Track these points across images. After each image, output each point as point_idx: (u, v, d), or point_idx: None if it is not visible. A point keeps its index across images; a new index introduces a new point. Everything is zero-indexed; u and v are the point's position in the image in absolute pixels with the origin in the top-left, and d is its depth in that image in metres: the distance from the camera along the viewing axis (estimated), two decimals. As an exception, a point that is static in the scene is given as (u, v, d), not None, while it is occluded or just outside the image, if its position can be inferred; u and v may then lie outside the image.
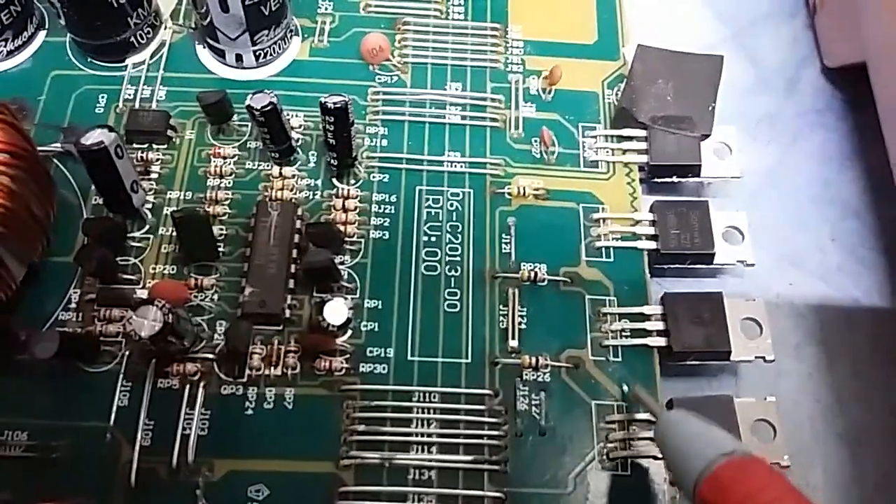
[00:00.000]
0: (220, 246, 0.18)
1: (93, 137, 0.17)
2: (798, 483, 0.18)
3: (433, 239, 0.19)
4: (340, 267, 0.19)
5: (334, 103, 0.18)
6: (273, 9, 0.20)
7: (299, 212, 0.19)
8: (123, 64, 0.21)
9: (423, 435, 0.17)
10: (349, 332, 0.18)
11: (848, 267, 0.21)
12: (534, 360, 0.18)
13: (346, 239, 0.19)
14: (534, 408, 0.18)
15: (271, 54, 0.21)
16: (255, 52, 0.21)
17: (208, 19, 0.20)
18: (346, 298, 0.17)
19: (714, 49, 0.24)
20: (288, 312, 0.18)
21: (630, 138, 0.21)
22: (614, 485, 0.17)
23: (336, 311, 0.17)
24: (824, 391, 0.20)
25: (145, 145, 0.20)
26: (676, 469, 0.15)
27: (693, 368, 0.19)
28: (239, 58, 0.21)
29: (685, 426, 0.15)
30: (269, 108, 0.18)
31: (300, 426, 0.17)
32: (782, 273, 0.21)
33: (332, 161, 0.20)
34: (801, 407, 0.19)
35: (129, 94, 0.21)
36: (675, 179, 0.21)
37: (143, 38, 0.21)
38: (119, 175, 0.18)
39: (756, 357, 0.18)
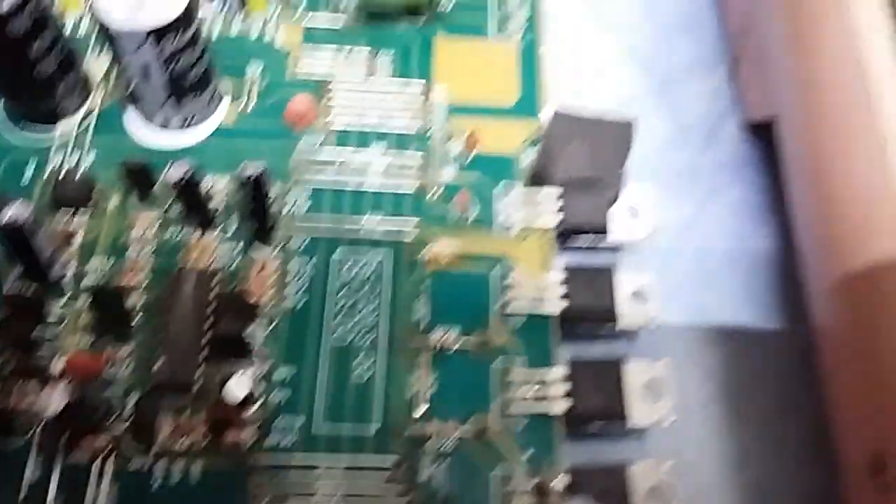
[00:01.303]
0: (134, 319, 0.19)
1: (7, 214, 0.18)
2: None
3: (347, 305, 0.20)
4: (255, 335, 0.19)
5: (248, 175, 0.19)
6: (196, 78, 0.21)
7: (216, 280, 0.19)
8: (52, 131, 0.22)
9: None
10: (258, 402, 0.18)
11: (760, 323, 0.22)
12: (439, 427, 0.19)
13: (261, 307, 0.19)
14: (437, 477, 0.18)
15: (197, 120, 0.22)
16: (180, 118, 0.22)
17: (132, 87, 0.21)
18: (248, 372, 0.18)
19: (636, 101, 0.25)
20: (199, 383, 0.18)
21: (544, 201, 0.21)
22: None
23: (237, 387, 0.17)
24: (729, 449, 0.20)
25: (69, 214, 0.20)
26: None
27: (597, 433, 0.20)
28: (165, 124, 0.22)
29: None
30: (184, 180, 0.19)
31: (206, 501, 0.17)
32: (692, 330, 0.22)
33: (251, 228, 0.20)
34: (703, 467, 0.20)
35: (58, 161, 0.21)
36: (585, 242, 0.22)
37: (72, 105, 0.22)
38: (36, 249, 0.18)
39: (657, 419, 0.19)
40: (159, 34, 0.19)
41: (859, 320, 0.17)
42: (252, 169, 0.19)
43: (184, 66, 0.20)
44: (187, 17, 0.19)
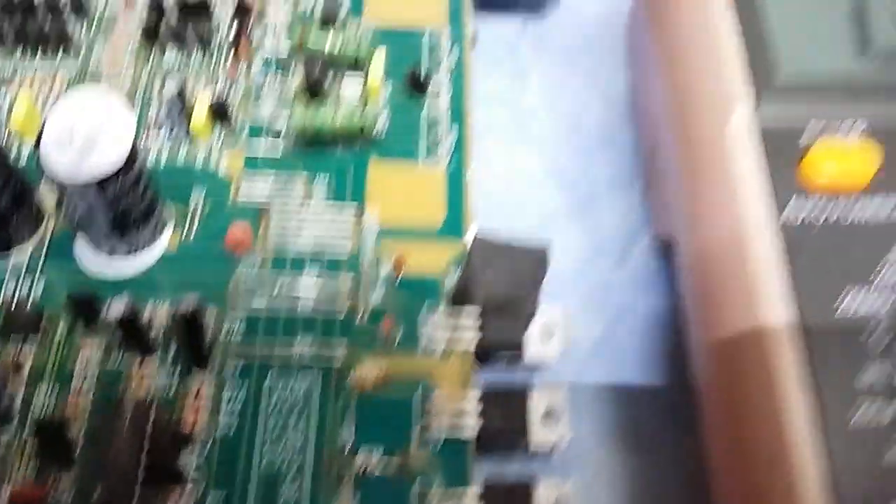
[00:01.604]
0: (76, 448, 0.20)
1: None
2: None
3: (277, 430, 0.21)
4: (189, 461, 0.21)
5: (183, 311, 0.21)
6: (140, 213, 0.22)
7: (153, 409, 0.21)
8: (5, 258, 0.23)
9: None
10: (191, 528, 0.20)
11: (672, 439, 0.24)
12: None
13: (195, 433, 0.21)
14: None
15: (142, 247, 0.23)
16: (125, 247, 0.23)
17: (77, 219, 0.22)
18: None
19: (553, 220, 0.27)
20: (136, 509, 0.20)
21: (465, 323, 0.23)
22: None
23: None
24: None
25: (18, 343, 0.22)
26: None
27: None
28: (111, 252, 0.23)
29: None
30: (121, 316, 0.20)
31: None
32: (605, 450, 0.23)
33: (188, 355, 0.22)
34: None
35: (10, 289, 0.23)
36: (503, 361, 0.23)
37: (25, 234, 0.23)
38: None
39: (563, 536, 0.21)
40: (102, 183, 0.20)
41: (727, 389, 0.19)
42: (186, 304, 0.20)
43: (127, 205, 0.22)
44: (130, 161, 0.21)
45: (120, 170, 0.21)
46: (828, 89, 0.20)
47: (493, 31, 0.30)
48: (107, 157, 0.21)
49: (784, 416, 0.17)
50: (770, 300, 0.18)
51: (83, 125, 0.20)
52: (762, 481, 0.18)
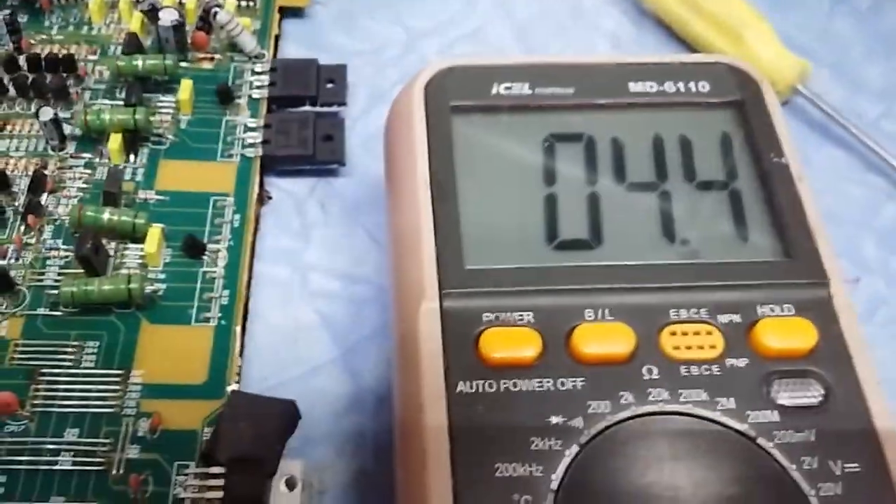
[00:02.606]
0: None
1: None
2: None
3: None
4: None
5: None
6: None
7: None
8: None
9: None
10: None
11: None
12: None
13: None
14: None
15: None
16: None
17: None
18: None
19: (322, 368, 0.30)
20: None
21: (212, 476, 0.26)
22: None
23: None
24: None
25: None
26: None
27: None
28: None
29: None
30: None
31: None
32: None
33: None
34: None
35: None
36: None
37: None
38: None
39: None
40: None
41: None
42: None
43: None
44: None
45: None
46: (502, 286, 0.23)
47: (286, 191, 0.34)
48: None
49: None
50: (435, 464, 0.21)
51: None
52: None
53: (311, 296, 0.31)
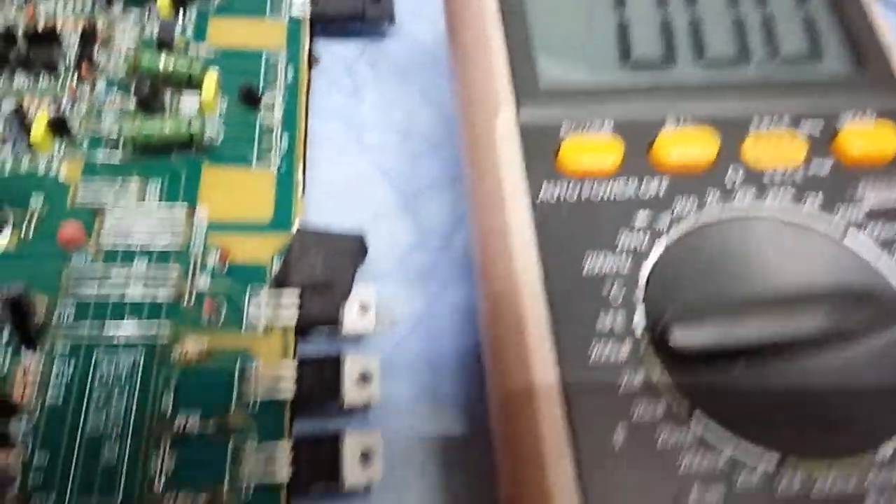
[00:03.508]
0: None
1: None
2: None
3: (102, 400, 0.23)
4: (16, 428, 0.22)
5: (9, 294, 0.22)
6: (-26, 210, 0.24)
7: (-18, 385, 0.22)
8: None
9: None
10: (16, 487, 0.21)
11: (473, 396, 0.26)
12: (177, 497, 0.22)
13: (23, 404, 0.23)
14: (171, 542, 0.21)
15: (-20, 247, 0.25)
16: (-37, 245, 0.25)
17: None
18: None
19: (385, 215, 0.29)
20: (-39, 475, 0.21)
21: (286, 302, 0.25)
22: None
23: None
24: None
25: None
26: None
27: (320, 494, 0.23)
28: (-51, 251, 0.25)
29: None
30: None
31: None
32: (416, 406, 0.26)
33: (17, 339, 0.23)
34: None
35: None
36: (320, 334, 0.25)
37: None
38: None
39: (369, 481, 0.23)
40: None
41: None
42: (14, 289, 0.22)
43: (-41, 202, 0.24)
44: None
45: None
46: (581, 94, 0.23)
47: (334, 54, 0.33)
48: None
49: (531, 356, 0.20)
50: (524, 265, 0.21)
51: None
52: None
53: (368, 150, 0.31)
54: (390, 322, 0.26)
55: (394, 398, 0.25)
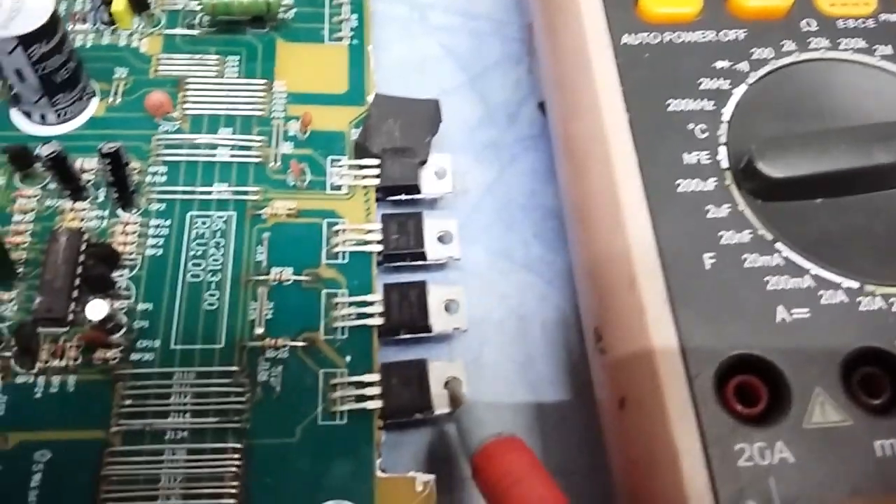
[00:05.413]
0: (17, 269, 0.23)
1: None
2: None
3: (199, 252, 0.24)
4: (119, 278, 0.23)
5: (109, 148, 0.23)
6: (65, 77, 0.25)
7: (86, 236, 0.23)
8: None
9: (179, 405, 0.22)
10: (123, 330, 0.23)
11: (547, 257, 0.27)
12: (275, 342, 0.23)
13: (124, 255, 0.24)
14: (272, 378, 0.22)
15: (71, 113, 0.26)
16: (56, 111, 0.26)
17: (11, 87, 0.25)
18: (105, 300, 0.22)
19: (452, 92, 0.30)
20: (72, 316, 0.22)
21: (366, 166, 0.26)
22: (330, 431, 0.22)
23: (92, 309, 0.21)
24: (519, 353, 0.25)
25: (-39, 192, 0.24)
26: (464, 443, 0.20)
27: (408, 341, 0.24)
28: (43, 117, 0.26)
29: (470, 414, 0.21)
30: (52, 154, 0.23)
31: (79, 405, 0.21)
32: (492, 264, 0.27)
33: (115, 195, 0.24)
34: (500, 366, 0.25)
35: (-50, 152, 0.25)
36: (402, 197, 0.26)
37: (-38, 105, 0.26)
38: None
39: (454, 329, 0.24)
40: (26, 41, 0.23)
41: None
42: (111, 144, 0.23)
43: (52, 68, 0.24)
44: (52, 25, 0.24)
45: (42, 30, 0.23)
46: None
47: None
48: (31, 19, 0.23)
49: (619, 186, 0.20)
50: (610, 104, 0.22)
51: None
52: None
53: (433, 30, 0.31)
54: (462, 186, 0.27)
55: (471, 260, 0.26)
